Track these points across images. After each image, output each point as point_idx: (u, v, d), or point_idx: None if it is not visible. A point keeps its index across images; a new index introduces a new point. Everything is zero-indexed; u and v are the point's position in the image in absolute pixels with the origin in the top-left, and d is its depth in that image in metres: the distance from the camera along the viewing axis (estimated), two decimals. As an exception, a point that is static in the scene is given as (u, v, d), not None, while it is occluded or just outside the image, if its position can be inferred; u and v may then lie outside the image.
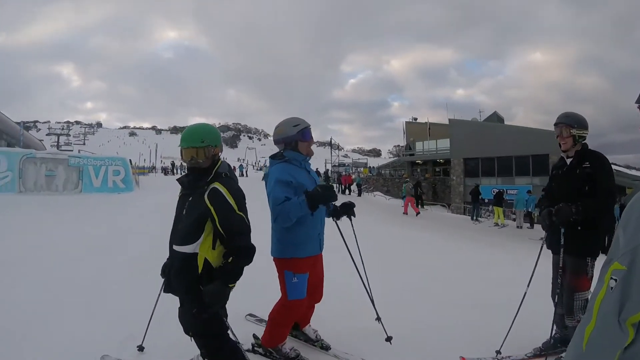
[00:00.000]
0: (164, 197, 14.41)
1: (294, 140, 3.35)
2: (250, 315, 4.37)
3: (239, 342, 2.91)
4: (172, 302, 3.00)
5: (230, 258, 2.57)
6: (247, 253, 2.63)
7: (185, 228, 2.70)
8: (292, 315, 3.44)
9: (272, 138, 3.56)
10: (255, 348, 3.58)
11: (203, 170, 2.76)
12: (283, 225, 3.20)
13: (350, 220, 3.63)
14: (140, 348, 3.58)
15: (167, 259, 2.93)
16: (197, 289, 2.58)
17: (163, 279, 2.97)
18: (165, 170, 45.73)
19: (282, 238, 3.31)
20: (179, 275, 2.72)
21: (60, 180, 21.38)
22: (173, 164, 46.65)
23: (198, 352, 2.96)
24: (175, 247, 2.76)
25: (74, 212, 14.21)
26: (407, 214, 21.27)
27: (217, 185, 2.64)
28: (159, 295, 3.29)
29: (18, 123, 38.91)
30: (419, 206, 23.54)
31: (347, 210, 3.58)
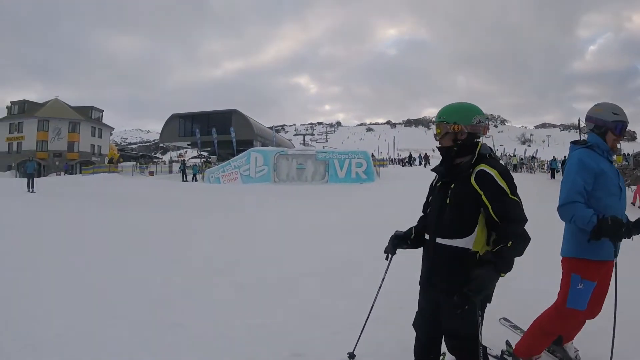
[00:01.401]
0: (401, 185, 15.37)
1: (605, 127, 2.96)
2: (505, 319, 3.74)
3: (487, 347, 2.53)
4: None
5: (510, 242, 2.19)
6: (523, 242, 2.24)
7: (453, 219, 2.35)
8: (562, 325, 2.99)
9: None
10: (505, 356, 3.16)
11: (465, 152, 2.41)
12: (561, 218, 2.85)
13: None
14: (351, 356, 3.06)
15: (391, 243, 2.69)
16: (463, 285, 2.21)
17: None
18: (402, 162, 46.33)
19: (576, 234, 2.86)
20: (447, 272, 2.36)
21: (309, 172, 24.60)
22: (410, 156, 46.78)
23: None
24: (440, 240, 2.40)
25: (322, 198, 15.67)
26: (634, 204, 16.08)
27: (483, 167, 2.32)
28: (378, 292, 2.97)
29: (270, 127, 44.73)
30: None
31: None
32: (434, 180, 2.59)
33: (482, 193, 2.28)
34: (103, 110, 57.07)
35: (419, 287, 2.57)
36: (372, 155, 30.66)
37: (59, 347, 3.21)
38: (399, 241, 2.69)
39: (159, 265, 5.94)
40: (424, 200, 2.66)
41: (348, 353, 3.01)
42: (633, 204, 17.02)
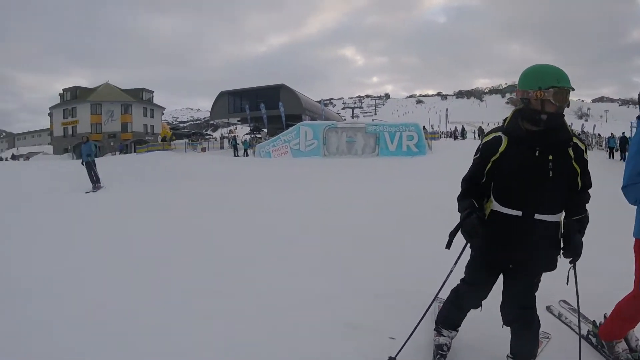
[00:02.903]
0: (454, 159, 14.09)
1: None
2: (564, 301, 3.60)
3: None
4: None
5: (586, 211, 2.39)
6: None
7: (557, 194, 2.32)
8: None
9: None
10: (590, 336, 3.07)
11: (563, 121, 2.35)
12: (627, 200, 2.61)
13: None
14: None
15: (474, 220, 2.37)
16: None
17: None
18: (454, 135, 45.00)
19: None
20: (544, 249, 2.37)
21: (359, 146, 24.31)
22: (463, 129, 45.33)
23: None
24: (539, 217, 2.32)
25: (372, 171, 15.58)
26: None
27: (576, 140, 2.33)
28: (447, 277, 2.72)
29: (318, 101, 44.54)
30: None
31: None
32: (503, 149, 2.36)
33: (577, 167, 2.33)
34: (153, 91, 59.03)
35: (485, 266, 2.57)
36: (424, 128, 29.87)
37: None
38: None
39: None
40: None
41: (389, 357, 2.80)
42: None
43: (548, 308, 3.38)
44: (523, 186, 2.32)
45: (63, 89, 54.28)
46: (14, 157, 51.86)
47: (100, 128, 50.71)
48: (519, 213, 2.34)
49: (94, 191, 12.32)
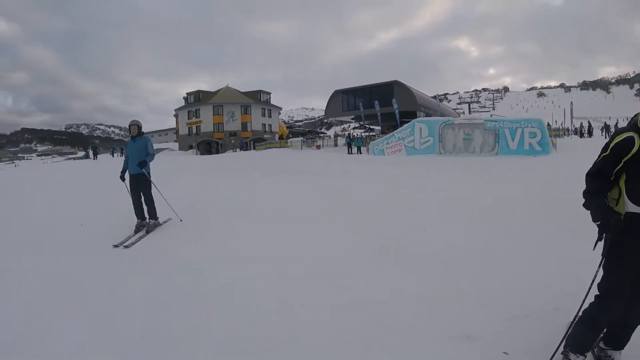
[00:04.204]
0: (582, 159, 12.78)
1: None
2: None
3: None
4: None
5: None
6: None
7: None
8: None
9: None
10: None
11: None
12: None
13: None
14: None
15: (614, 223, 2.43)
16: None
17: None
18: (580, 132, 41.04)
19: None
20: None
21: (477, 143, 23.19)
22: (589, 125, 41.08)
23: None
24: None
25: (489, 172, 14.59)
26: None
27: None
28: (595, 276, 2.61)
29: (433, 97, 43.62)
30: None
31: None
32: (636, 149, 2.38)
33: None
34: (270, 93, 63.11)
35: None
36: (547, 124, 27.91)
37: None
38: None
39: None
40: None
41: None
42: None
43: None
44: None
45: (187, 93, 60.43)
46: None
47: (222, 127, 55.38)
48: None
49: (140, 235, 6.87)
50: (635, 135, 2.37)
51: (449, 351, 3.02)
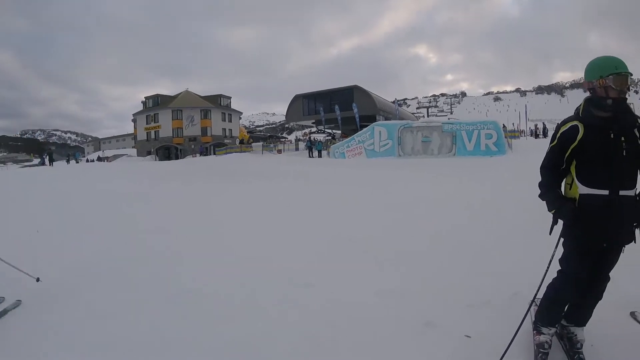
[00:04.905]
0: (537, 158, 13.24)
1: None
2: None
3: None
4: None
5: None
6: None
7: (631, 171, 2.58)
8: None
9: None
10: None
11: (626, 105, 2.56)
12: None
13: None
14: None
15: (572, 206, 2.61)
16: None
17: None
18: (535, 134, 42.59)
19: None
20: (629, 222, 2.61)
21: (435, 145, 23.61)
22: (544, 127, 42.72)
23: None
24: (622, 192, 2.55)
25: (448, 172, 14.95)
26: None
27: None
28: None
29: (392, 101, 44.31)
30: None
31: None
32: (581, 136, 2.57)
33: None
34: (231, 97, 62.71)
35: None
36: (503, 126, 28.62)
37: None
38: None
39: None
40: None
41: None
42: None
43: (632, 314, 3.26)
44: (606, 167, 2.53)
45: (145, 97, 59.19)
46: (99, 159, 56.95)
47: (182, 132, 54.27)
48: (605, 192, 2.54)
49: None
50: (579, 124, 2.57)
51: (411, 339, 3.08)
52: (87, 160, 54.56)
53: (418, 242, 5.52)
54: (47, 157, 41.78)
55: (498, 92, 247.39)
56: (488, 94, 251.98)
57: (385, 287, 4.01)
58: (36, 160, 78.26)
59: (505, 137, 24.02)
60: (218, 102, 58.69)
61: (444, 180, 12.55)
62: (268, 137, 64.94)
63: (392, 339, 3.10)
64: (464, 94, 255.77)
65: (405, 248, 5.27)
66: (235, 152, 40.51)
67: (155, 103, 57.25)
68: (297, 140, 42.51)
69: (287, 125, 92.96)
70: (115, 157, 59.88)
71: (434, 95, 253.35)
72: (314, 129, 53.88)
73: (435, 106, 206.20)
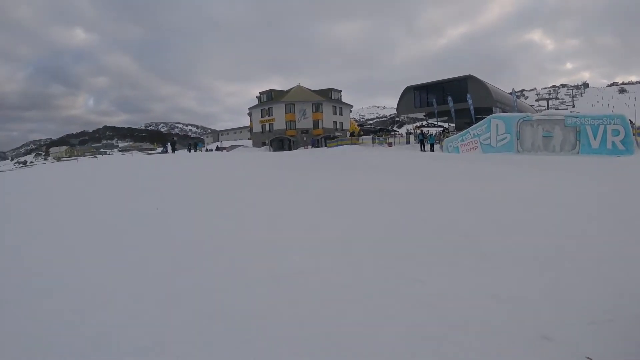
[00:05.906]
0: None
1: None
2: None
3: None
4: None
5: None
6: None
7: None
8: None
9: None
10: None
11: None
12: None
13: None
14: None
15: None
16: None
17: None
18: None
19: None
20: None
21: (557, 141, 22.00)
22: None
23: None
24: None
25: (575, 171, 13.98)
26: None
27: None
28: None
29: (509, 92, 42.64)
30: None
31: None
32: None
33: None
34: (341, 91, 64.34)
35: None
36: (630, 121, 26.46)
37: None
38: None
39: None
40: None
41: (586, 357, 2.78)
42: None
43: None
44: None
45: (260, 92, 63.32)
46: (217, 149, 62.69)
47: (294, 125, 57.35)
48: None
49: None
50: None
51: (524, 352, 2.94)
52: (206, 150, 60.06)
53: (538, 249, 5.20)
54: (171, 145, 46.84)
55: (623, 83, 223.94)
56: (612, 84, 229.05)
57: (501, 293, 3.89)
58: (159, 149, 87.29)
59: (633, 135, 21.30)
60: (329, 96, 60.63)
61: (571, 181, 11.84)
62: (378, 130, 66.08)
63: (504, 347, 2.97)
64: (586, 85, 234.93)
65: (523, 254, 5.00)
66: (346, 144, 41.65)
67: (269, 98, 61.03)
68: (408, 133, 42.60)
69: (397, 119, 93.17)
70: (232, 147, 64.95)
71: (554, 86, 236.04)
72: (424, 123, 53.78)
73: (556, 98, 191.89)
